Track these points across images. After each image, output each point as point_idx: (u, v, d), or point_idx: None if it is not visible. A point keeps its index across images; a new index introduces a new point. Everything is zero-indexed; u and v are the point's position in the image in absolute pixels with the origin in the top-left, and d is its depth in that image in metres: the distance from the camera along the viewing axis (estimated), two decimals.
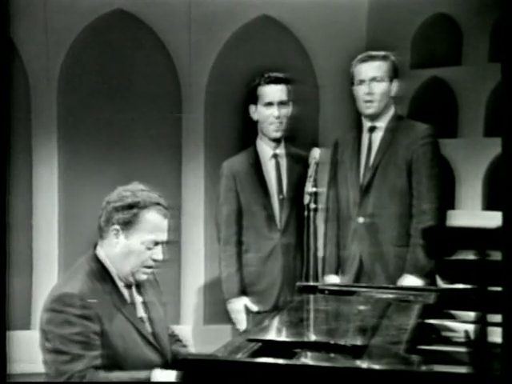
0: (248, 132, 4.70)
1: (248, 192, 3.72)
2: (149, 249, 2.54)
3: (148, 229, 2.53)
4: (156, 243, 2.55)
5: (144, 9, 4.79)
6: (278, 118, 3.67)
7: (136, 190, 2.57)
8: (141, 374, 2.44)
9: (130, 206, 2.53)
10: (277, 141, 3.73)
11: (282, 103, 3.68)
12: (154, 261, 2.56)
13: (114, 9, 4.76)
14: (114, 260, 2.55)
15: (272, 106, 3.67)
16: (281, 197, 3.72)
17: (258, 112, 3.72)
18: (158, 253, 2.56)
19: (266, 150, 3.76)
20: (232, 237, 3.72)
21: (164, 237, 2.56)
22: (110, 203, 2.55)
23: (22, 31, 4.54)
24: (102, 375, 2.42)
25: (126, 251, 2.54)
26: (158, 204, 2.55)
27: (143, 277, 2.58)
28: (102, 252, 2.57)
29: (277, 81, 3.69)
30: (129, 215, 2.52)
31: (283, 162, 3.75)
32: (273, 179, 3.75)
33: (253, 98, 3.73)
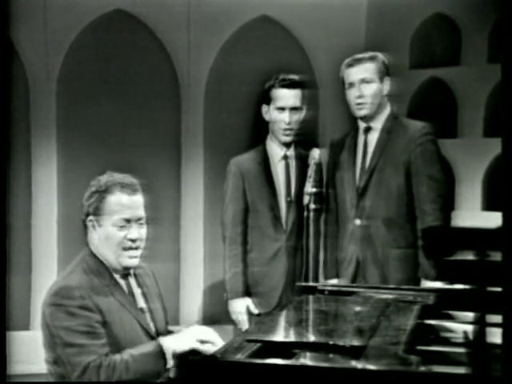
0: (249, 132, 4.71)
1: (255, 192, 3.71)
2: (121, 229, 2.54)
3: (114, 209, 2.54)
4: (127, 221, 2.55)
5: (143, 9, 4.79)
6: (288, 123, 3.65)
7: (102, 177, 2.61)
8: (149, 347, 2.47)
9: (95, 192, 2.56)
10: (287, 144, 3.72)
11: (294, 109, 3.65)
12: (131, 241, 2.55)
13: (114, 9, 4.76)
14: (100, 251, 2.57)
15: (284, 111, 3.65)
16: (288, 199, 3.70)
17: (269, 113, 3.70)
18: (133, 231, 2.55)
19: (275, 150, 3.75)
20: (238, 236, 3.70)
21: (133, 213, 2.55)
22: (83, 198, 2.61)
23: (22, 31, 4.54)
24: (117, 357, 2.43)
25: (103, 238, 2.56)
26: (121, 183, 2.56)
27: (130, 262, 2.57)
28: (93, 247, 2.59)
29: (292, 85, 3.66)
30: (96, 202, 2.55)
31: (293, 164, 3.73)
32: (281, 181, 3.73)
33: (266, 98, 3.71)
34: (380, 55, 3.54)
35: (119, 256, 2.56)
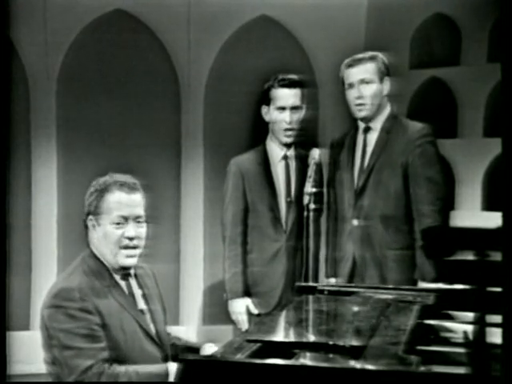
0: (249, 132, 4.71)
1: (255, 192, 3.70)
2: (119, 227, 2.55)
3: (113, 207, 2.55)
4: (124, 219, 2.55)
5: (143, 9, 4.79)
6: (289, 123, 3.65)
7: (102, 177, 2.61)
8: (157, 368, 2.48)
9: (94, 192, 2.58)
10: (287, 144, 3.72)
11: (294, 108, 3.65)
12: (129, 239, 2.55)
13: (113, 9, 4.76)
14: (99, 251, 2.58)
15: (284, 111, 3.64)
16: (288, 199, 3.70)
17: (269, 114, 3.70)
18: (130, 229, 2.55)
19: (275, 151, 3.74)
20: (238, 236, 3.69)
21: (131, 211, 2.56)
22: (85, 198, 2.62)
23: (22, 31, 4.54)
24: (121, 369, 2.44)
25: (101, 237, 2.56)
26: (121, 182, 2.57)
27: (127, 261, 2.57)
28: (93, 247, 2.59)
29: (291, 84, 3.65)
30: (95, 201, 2.57)
31: (293, 165, 3.73)
32: (281, 181, 3.73)
33: (266, 99, 3.70)
34: (380, 55, 3.53)
35: (116, 255, 2.55)
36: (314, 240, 3.39)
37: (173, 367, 2.48)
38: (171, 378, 2.45)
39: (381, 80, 3.50)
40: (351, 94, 3.51)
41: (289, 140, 3.69)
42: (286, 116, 3.64)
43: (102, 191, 2.56)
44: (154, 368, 2.49)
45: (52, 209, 4.74)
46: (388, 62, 3.54)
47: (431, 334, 2.22)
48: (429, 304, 2.46)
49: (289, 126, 3.65)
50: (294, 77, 3.69)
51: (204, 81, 4.92)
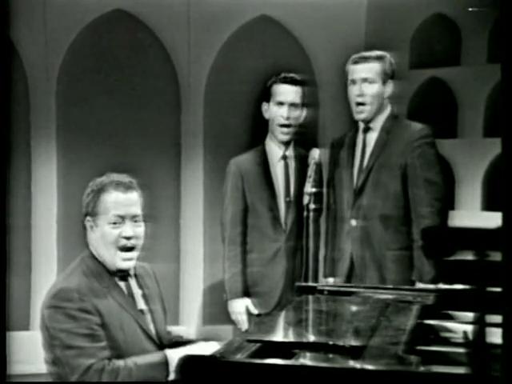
0: (249, 132, 4.71)
1: (255, 192, 3.70)
2: (116, 227, 2.54)
3: (109, 207, 2.54)
4: (121, 218, 2.54)
5: (143, 9, 4.79)
6: (287, 119, 3.64)
7: (99, 178, 2.61)
8: (155, 357, 2.50)
9: (91, 192, 2.57)
10: (286, 143, 3.72)
11: (293, 105, 3.65)
12: (126, 238, 2.54)
13: (113, 9, 4.76)
14: (98, 252, 2.57)
15: (283, 106, 3.65)
16: (287, 199, 3.70)
17: (269, 110, 3.70)
18: (127, 229, 2.55)
19: (275, 150, 3.74)
20: (237, 237, 3.70)
21: (127, 211, 2.55)
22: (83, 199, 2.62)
23: (22, 31, 4.54)
24: (120, 363, 2.45)
25: (99, 238, 2.56)
26: (116, 182, 2.57)
27: (124, 264, 2.56)
28: (92, 248, 2.59)
29: (292, 82, 3.67)
30: (92, 201, 2.56)
31: (292, 164, 3.73)
32: (280, 181, 3.73)
33: (266, 95, 3.71)
34: (388, 56, 3.50)
35: (114, 256, 2.55)
36: (314, 240, 3.39)
37: (171, 354, 2.49)
38: (171, 365, 2.46)
39: (384, 82, 3.47)
40: (352, 91, 3.50)
41: (285, 138, 3.68)
42: (283, 111, 3.64)
43: (99, 191, 2.56)
44: (152, 357, 2.50)
45: (52, 209, 4.74)
46: (395, 63, 3.52)
47: (431, 334, 2.22)
48: (429, 304, 2.46)
49: (285, 122, 3.65)
50: (296, 75, 3.70)
51: (204, 81, 4.92)
